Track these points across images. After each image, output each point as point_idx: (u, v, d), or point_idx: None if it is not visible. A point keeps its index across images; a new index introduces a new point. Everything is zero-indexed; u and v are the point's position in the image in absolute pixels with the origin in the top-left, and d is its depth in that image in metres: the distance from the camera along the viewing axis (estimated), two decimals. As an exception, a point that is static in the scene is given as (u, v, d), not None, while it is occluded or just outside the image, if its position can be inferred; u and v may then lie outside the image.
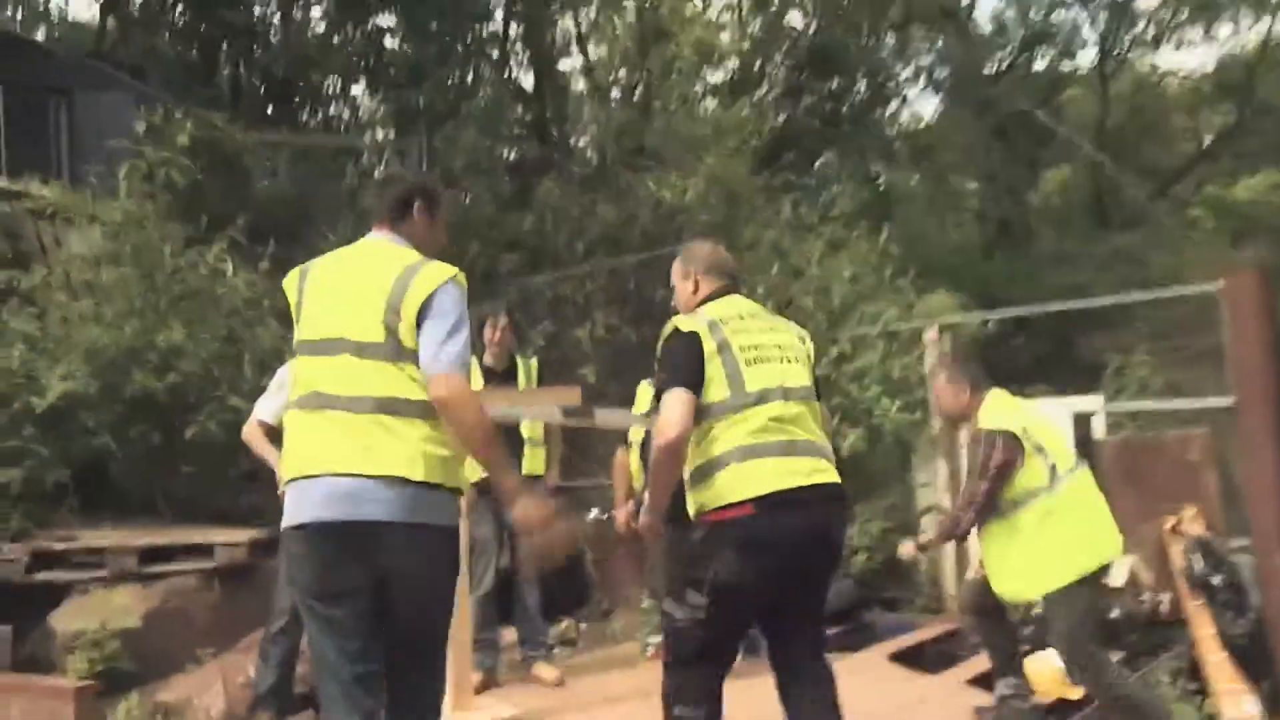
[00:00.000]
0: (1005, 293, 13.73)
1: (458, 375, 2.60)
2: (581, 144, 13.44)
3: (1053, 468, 4.01)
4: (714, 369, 2.96)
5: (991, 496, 4.00)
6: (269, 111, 13.25)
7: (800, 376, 3.07)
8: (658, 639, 4.78)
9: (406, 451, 2.58)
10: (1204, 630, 5.14)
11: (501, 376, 5.26)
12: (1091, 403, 6.66)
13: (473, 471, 4.88)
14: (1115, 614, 5.45)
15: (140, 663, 5.12)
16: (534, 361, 5.58)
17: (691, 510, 3.05)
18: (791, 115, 17.14)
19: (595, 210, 10.11)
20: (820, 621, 3.16)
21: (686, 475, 3.05)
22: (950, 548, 6.60)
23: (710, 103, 15.83)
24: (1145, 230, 17.94)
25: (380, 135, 13.97)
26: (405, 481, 2.56)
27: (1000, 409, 4.15)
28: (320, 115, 14.60)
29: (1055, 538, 3.96)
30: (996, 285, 14.85)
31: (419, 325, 2.62)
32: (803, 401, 3.02)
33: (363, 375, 2.62)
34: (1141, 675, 4.97)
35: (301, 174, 10.87)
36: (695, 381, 2.94)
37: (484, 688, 4.96)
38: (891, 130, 20.06)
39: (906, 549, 4.63)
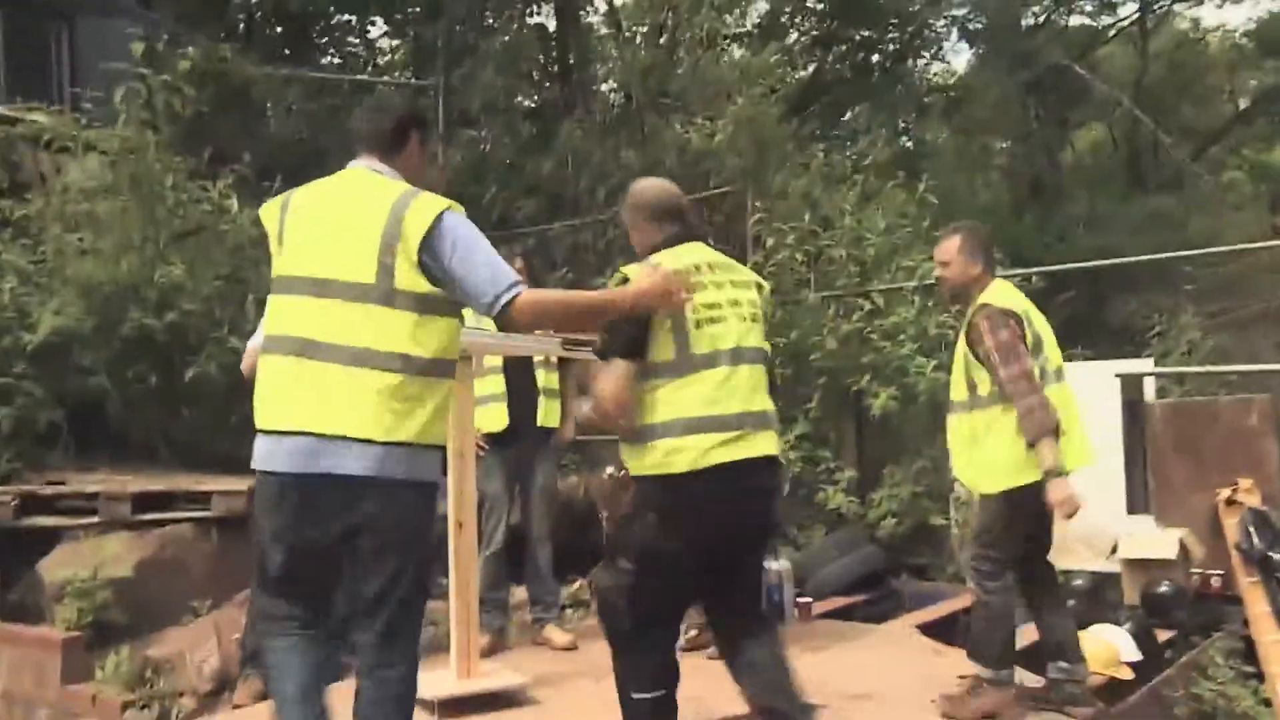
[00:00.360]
0: (1036, 254, 13.32)
1: (519, 300, 2.46)
2: (604, 88, 13.03)
3: (1042, 366, 3.78)
4: (661, 329, 2.80)
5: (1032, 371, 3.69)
6: (285, 51, 12.91)
7: (753, 337, 2.94)
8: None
9: (380, 409, 2.42)
10: (1259, 608, 4.92)
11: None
12: (1141, 365, 6.35)
13: (483, 421, 4.71)
14: (1164, 588, 5.19)
15: (132, 614, 4.93)
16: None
17: (627, 465, 2.93)
18: (820, 66, 16.61)
19: (618, 155, 9.75)
20: (756, 590, 3.11)
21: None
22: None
23: (737, 51, 15.31)
24: (1181, 193, 17.46)
25: (398, 77, 13.63)
26: (376, 442, 2.42)
27: (1006, 292, 3.91)
28: (337, 57, 14.25)
29: None
30: (1027, 246, 14.43)
31: (431, 267, 2.45)
32: (751, 364, 2.90)
33: (346, 321, 2.44)
34: (1190, 655, 4.71)
35: (314, 112, 10.57)
36: (636, 347, 2.80)
37: (493, 650, 4.73)
38: (922, 84, 19.51)
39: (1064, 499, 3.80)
